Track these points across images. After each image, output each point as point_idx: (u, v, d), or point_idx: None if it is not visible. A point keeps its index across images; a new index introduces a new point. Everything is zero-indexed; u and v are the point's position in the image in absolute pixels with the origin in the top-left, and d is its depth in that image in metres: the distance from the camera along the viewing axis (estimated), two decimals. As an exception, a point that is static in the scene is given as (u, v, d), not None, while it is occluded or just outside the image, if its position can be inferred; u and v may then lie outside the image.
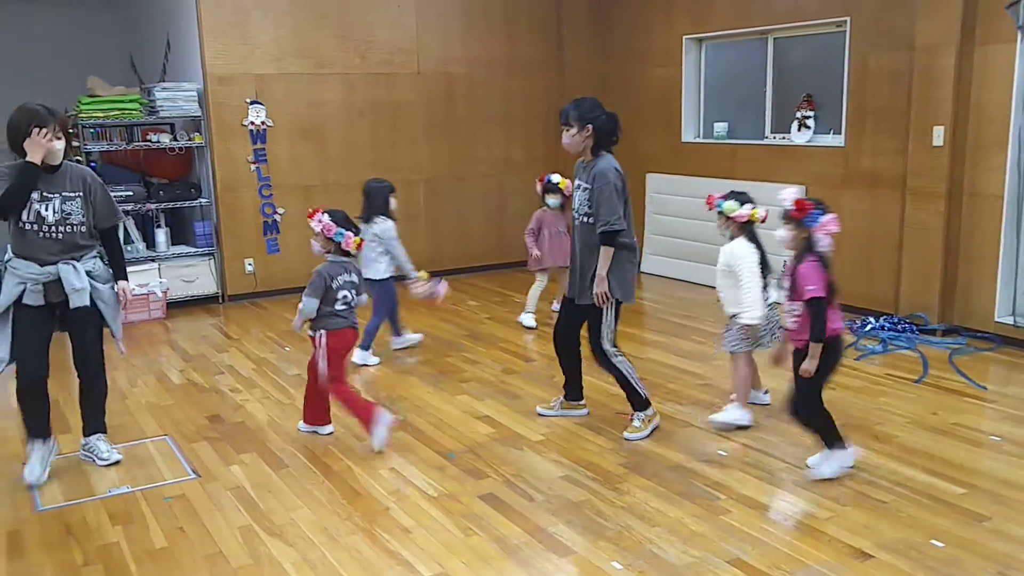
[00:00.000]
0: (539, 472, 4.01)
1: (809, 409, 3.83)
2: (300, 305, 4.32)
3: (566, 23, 8.85)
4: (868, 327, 6.19)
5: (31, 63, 9.44)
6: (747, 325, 4.36)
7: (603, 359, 4.34)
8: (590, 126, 4.19)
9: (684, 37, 7.98)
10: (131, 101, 7.20)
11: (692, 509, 3.60)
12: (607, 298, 4.23)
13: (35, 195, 3.79)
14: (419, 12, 8.12)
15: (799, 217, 3.71)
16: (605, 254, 4.17)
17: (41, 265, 3.85)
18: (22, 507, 3.72)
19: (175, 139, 7.51)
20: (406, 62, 8.13)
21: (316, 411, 4.53)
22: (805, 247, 3.75)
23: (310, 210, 4.43)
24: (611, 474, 3.97)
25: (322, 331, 4.32)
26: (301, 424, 4.60)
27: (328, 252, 4.39)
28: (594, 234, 4.21)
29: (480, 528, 3.48)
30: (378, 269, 5.61)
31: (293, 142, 7.75)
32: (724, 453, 4.17)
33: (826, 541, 3.32)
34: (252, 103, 7.50)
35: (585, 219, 4.26)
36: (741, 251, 4.34)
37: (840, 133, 6.78)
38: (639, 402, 4.40)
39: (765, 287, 4.39)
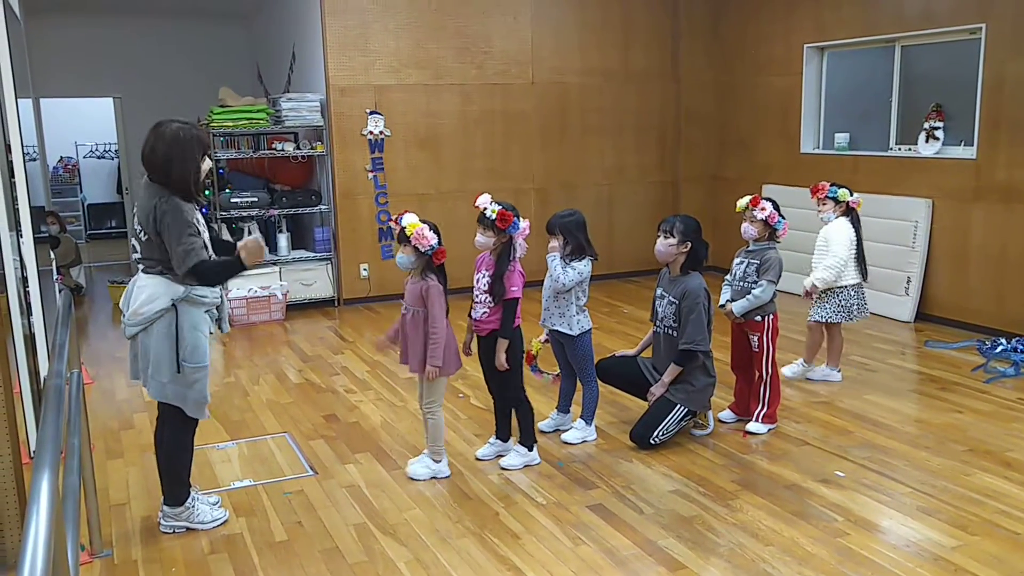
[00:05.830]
0: (649, 485, 3.98)
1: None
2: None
3: (683, 33, 8.77)
4: (999, 348, 5.87)
5: (167, 74, 10.01)
6: (813, 285, 5.27)
7: (644, 445, 4.37)
8: (690, 244, 4.34)
9: (805, 46, 7.78)
10: (258, 111, 7.52)
11: (808, 530, 3.50)
12: (654, 397, 4.43)
13: (199, 219, 3.46)
14: (535, 23, 8.19)
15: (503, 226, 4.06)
16: (673, 371, 4.36)
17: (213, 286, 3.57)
18: (156, 496, 3.92)
19: (298, 148, 7.81)
20: (521, 72, 8.21)
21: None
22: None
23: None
24: (723, 490, 3.90)
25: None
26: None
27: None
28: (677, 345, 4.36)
29: (589, 538, 3.48)
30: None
31: (409, 151, 7.93)
32: (842, 474, 4.04)
33: (952, 571, 3.17)
34: (371, 113, 7.72)
35: (670, 331, 4.42)
36: (842, 227, 5.29)
37: (972, 145, 6.47)
38: None
39: (859, 265, 5.30)
